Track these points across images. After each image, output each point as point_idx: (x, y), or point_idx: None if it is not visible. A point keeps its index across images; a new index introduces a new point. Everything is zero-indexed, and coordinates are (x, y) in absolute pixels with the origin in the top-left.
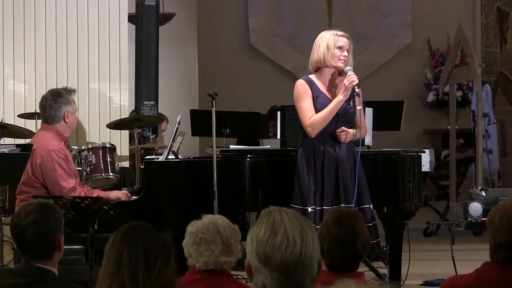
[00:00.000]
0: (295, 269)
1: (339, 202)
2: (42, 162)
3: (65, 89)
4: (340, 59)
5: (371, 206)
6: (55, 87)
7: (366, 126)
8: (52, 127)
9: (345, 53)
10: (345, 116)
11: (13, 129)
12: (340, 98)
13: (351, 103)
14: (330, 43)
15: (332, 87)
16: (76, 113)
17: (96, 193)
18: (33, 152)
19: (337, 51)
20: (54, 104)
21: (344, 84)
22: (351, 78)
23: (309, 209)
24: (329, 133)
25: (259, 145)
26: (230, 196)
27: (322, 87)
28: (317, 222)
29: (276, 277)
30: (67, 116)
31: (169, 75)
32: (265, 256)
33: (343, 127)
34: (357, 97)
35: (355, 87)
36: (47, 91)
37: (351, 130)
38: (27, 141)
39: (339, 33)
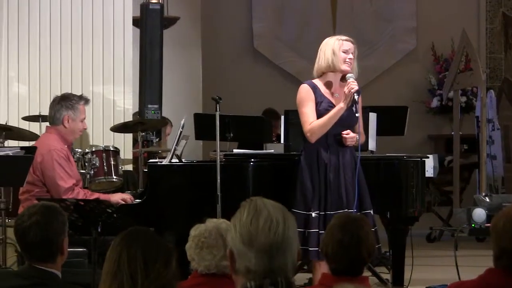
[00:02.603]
0: (278, 249)
1: (342, 207)
2: (43, 161)
3: (80, 96)
4: (346, 62)
5: (372, 212)
6: (59, 90)
7: (363, 132)
8: (55, 129)
9: (350, 56)
10: (349, 120)
11: (17, 131)
12: (341, 105)
13: (354, 108)
14: (335, 47)
15: (336, 92)
16: (81, 122)
17: (96, 196)
18: (36, 151)
19: (342, 54)
20: (56, 105)
21: (344, 91)
22: (350, 85)
23: (313, 214)
24: (333, 136)
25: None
26: (233, 200)
27: (326, 92)
28: (321, 227)
29: (261, 257)
30: (67, 121)
31: (173, 78)
32: (249, 237)
33: (349, 130)
34: (356, 104)
35: (355, 94)
36: (51, 94)
37: (355, 135)
38: (31, 143)
39: (343, 37)
